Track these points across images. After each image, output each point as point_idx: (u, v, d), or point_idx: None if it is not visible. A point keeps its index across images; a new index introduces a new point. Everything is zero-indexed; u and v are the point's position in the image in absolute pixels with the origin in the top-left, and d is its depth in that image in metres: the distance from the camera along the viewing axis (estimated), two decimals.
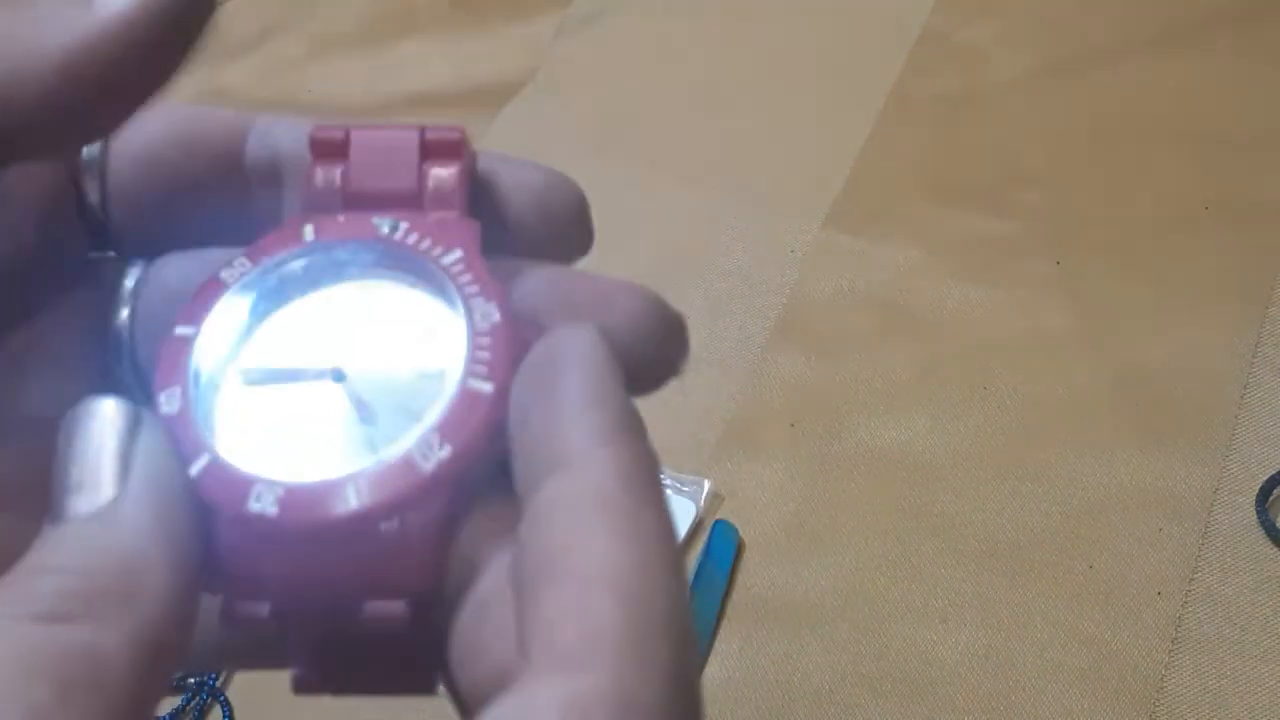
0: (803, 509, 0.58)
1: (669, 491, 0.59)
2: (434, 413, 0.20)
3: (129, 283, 0.24)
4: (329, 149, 0.23)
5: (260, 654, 0.23)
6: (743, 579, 0.56)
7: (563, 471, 0.19)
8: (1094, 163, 0.70)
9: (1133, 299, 0.63)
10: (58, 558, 0.19)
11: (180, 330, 0.21)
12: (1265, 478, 0.55)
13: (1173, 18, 0.76)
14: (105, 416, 0.20)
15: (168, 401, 0.21)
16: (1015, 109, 0.74)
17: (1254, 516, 0.54)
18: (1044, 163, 0.70)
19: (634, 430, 0.20)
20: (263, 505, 0.19)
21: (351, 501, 0.19)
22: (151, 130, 0.24)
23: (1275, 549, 0.53)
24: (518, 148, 0.89)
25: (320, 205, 0.23)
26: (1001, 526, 0.56)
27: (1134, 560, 0.54)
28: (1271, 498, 0.54)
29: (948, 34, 0.79)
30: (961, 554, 0.55)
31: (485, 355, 0.21)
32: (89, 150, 0.24)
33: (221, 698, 0.54)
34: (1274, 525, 0.53)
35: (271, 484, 0.19)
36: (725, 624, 0.55)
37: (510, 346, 0.21)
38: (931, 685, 0.51)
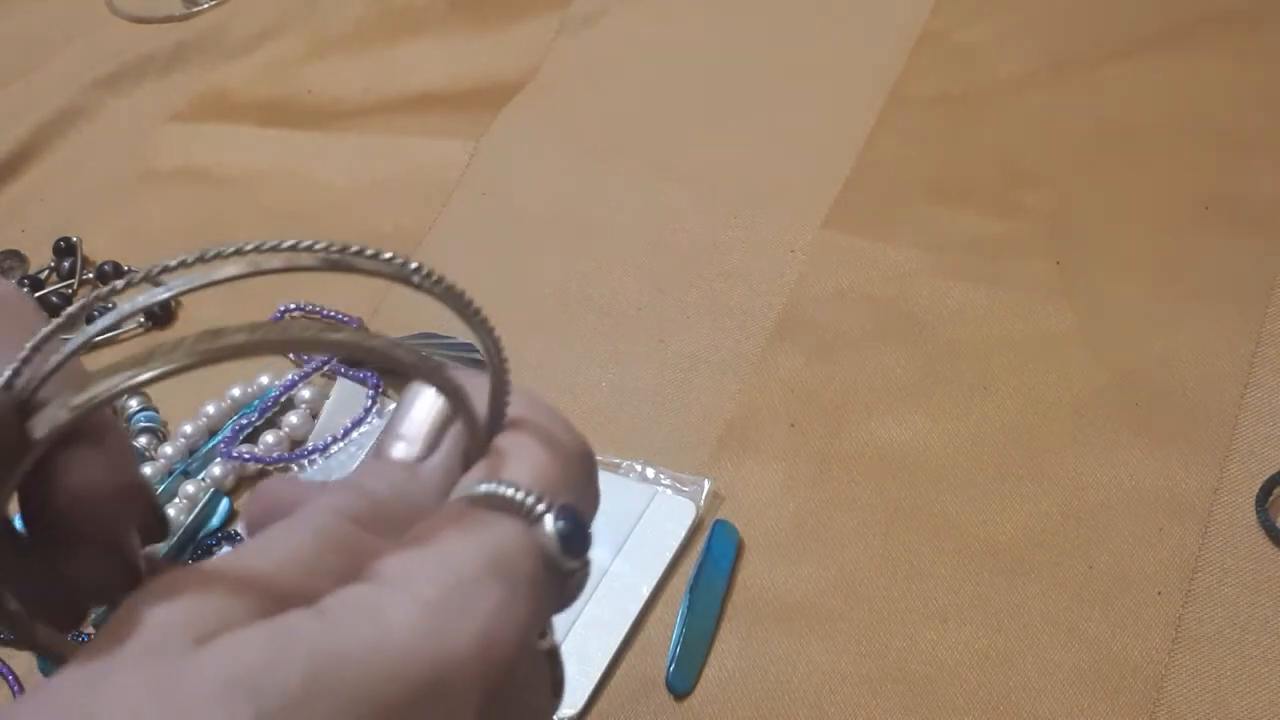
0: (803, 509, 0.58)
1: (669, 491, 0.59)
2: None
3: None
4: None
5: None
6: (743, 579, 0.56)
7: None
8: (1094, 163, 0.70)
9: (1133, 299, 0.63)
10: (374, 483, 0.28)
11: None
12: (1265, 478, 0.55)
13: (1173, 18, 0.76)
14: (437, 400, 0.29)
15: None
16: (1015, 109, 0.74)
17: (1254, 516, 0.54)
18: (1044, 163, 0.70)
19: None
20: None
21: None
22: None
23: (1275, 549, 0.53)
24: (518, 148, 0.90)
25: None
26: (1001, 526, 0.56)
27: (1134, 560, 0.54)
28: (1271, 498, 0.54)
29: (948, 34, 0.79)
30: (961, 554, 0.55)
31: None
32: None
33: None
34: (1274, 525, 0.53)
35: None
36: (725, 624, 0.55)
37: None
38: (931, 685, 0.51)
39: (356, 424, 0.64)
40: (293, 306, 0.71)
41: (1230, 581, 0.53)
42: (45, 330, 0.25)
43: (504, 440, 0.29)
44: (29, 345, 0.25)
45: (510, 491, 0.27)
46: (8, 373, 0.25)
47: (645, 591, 0.56)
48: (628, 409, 0.63)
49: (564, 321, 0.68)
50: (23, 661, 0.58)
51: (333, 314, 0.71)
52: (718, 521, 0.57)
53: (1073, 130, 0.72)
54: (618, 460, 0.60)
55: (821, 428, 0.61)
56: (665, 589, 0.56)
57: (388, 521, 0.27)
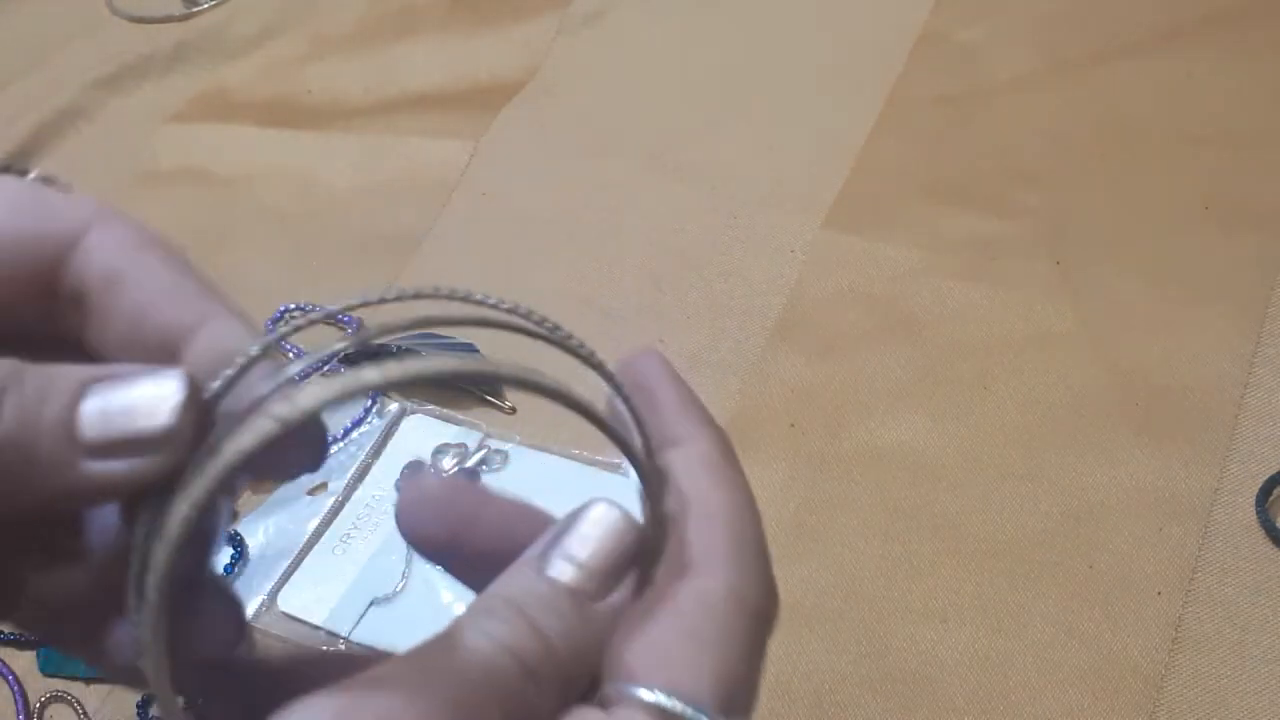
0: (803, 509, 0.58)
1: None
2: None
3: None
4: None
5: None
6: None
7: (676, 447, 0.28)
8: (1094, 163, 0.70)
9: (1133, 299, 0.63)
10: (548, 620, 0.24)
11: None
12: (1265, 478, 0.55)
13: (1173, 18, 0.76)
14: (622, 524, 0.26)
15: None
16: (1015, 109, 0.74)
17: (1254, 516, 0.54)
18: (1044, 163, 0.70)
19: (712, 421, 0.29)
20: None
21: None
22: None
23: (1275, 549, 0.53)
24: (518, 148, 0.89)
25: None
26: (1001, 526, 0.56)
27: (1134, 560, 0.54)
28: (1271, 498, 0.54)
29: (948, 34, 0.79)
30: (961, 554, 0.55)
31: None
32: None
33: None
34: (1274, 525, 0.53)
35: None
36: None
37: None
38: (931, 685, 0.51)
39: (356, 424, 0.64)
40: (292, 306, 0.71)
41: (1230, 581, 0.53)
42: (255, 351, 0.25)
43: (687, 601, 0.25)
44: (239, 364, 0.25)
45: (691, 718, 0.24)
46: (216, 385, 0.25)
47: None
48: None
49: (564, 321, 0.67)
50: (23, 661, 0.58)
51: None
52: None
53: (1073, 130, 0.72)
54: (618, 460, 0.60)
55: (821, 428, 0.60)
56: None
57: (553, 673, 0.24)
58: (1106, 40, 0.76)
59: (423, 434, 0.63)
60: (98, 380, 0.25)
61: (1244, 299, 0.62)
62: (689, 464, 0.28)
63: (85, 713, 0.56)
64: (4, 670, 0.58)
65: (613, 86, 0.81)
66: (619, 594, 0.25)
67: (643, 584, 0.26)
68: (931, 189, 0.70)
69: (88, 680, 0.57)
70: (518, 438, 0.62)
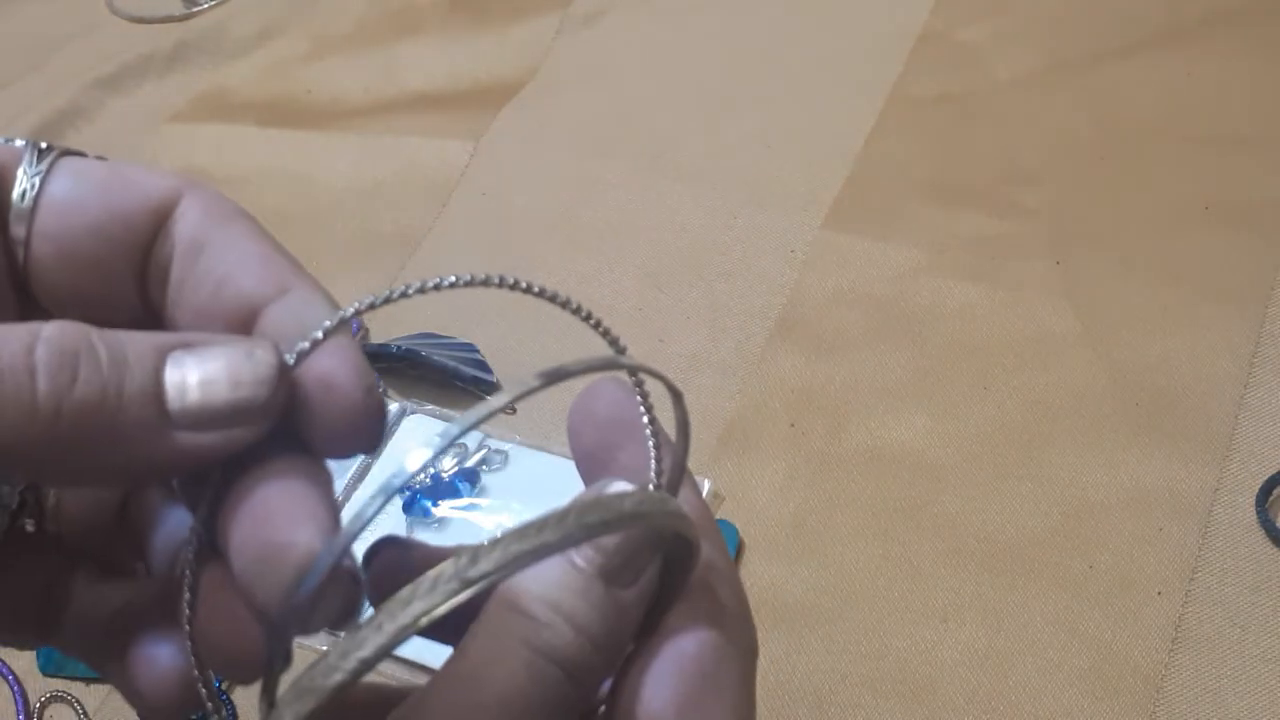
0: (803, 509, 0.58)
1: None
2: None
3: None
4: None
5: None
6: (743, 579, 0.56)
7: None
8: (1094, 163, 0.70)
9: (1133, 299, 0.63)
10: (589, 615, 0.24)
11: None
12: (1265, 478, 0.55)
13: (1173, 17, 0.76)
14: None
15: None
16: (1015, 109, 0.74)
17: (1254, 516, 0.54)
18: (1044, 163, 0.70)
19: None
20: None
21: None
22: (74, 222, 0.26)
23: (1275, 549, 0.53)
24: (518, 148, 0.89)
25: None
26: (1001, 526, 0.56)
27: (1134, 560, 0.54)
28: (1271, 498, 0.54)
29: (948, 34, 0.79)
30: (961, 554, 0.55)
31: None
32: (16, 225, 0.26)
33: (225, 697, 0.54)
34: (1274, 525, 0.53)
35: None
36: None
37: None
38: (931, 685, 0.51)
39: None
40: None
41: (1230, 581, 0.53)
42: (330, 325, 0.25)
43: (704, 649, 0.25)
44: (315, 339, 0.24)
45: None
46: (290, 359, 0.24)
47: None
48: None
49: (564, 321, 0.68)
50: (23, 661, 0.58)
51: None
52: (718, 521, 0.57)
53: (1073, 130, 0.72)
54: None
55: (821, 428, 0.60)
56: None
57: (593, 669, 0.24)
58: (1106, 40, 0.76)
59: (423, 434, 0.63)
60: (177, 347, 0.24)
61: (1244, 299, 0.62)
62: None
63: (85, 713, 0.56)
64: (4, 670, 0.58)
65: (613, 86, 0.81)
66: (644, 587, 0.25)
67: (664, 604, 0.26)
68: (931, 189, 0.70)
69: (88, 680, 0.57)
70: (518, 438, 0.62)
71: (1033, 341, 0.62)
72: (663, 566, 0.26)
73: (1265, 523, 0.54)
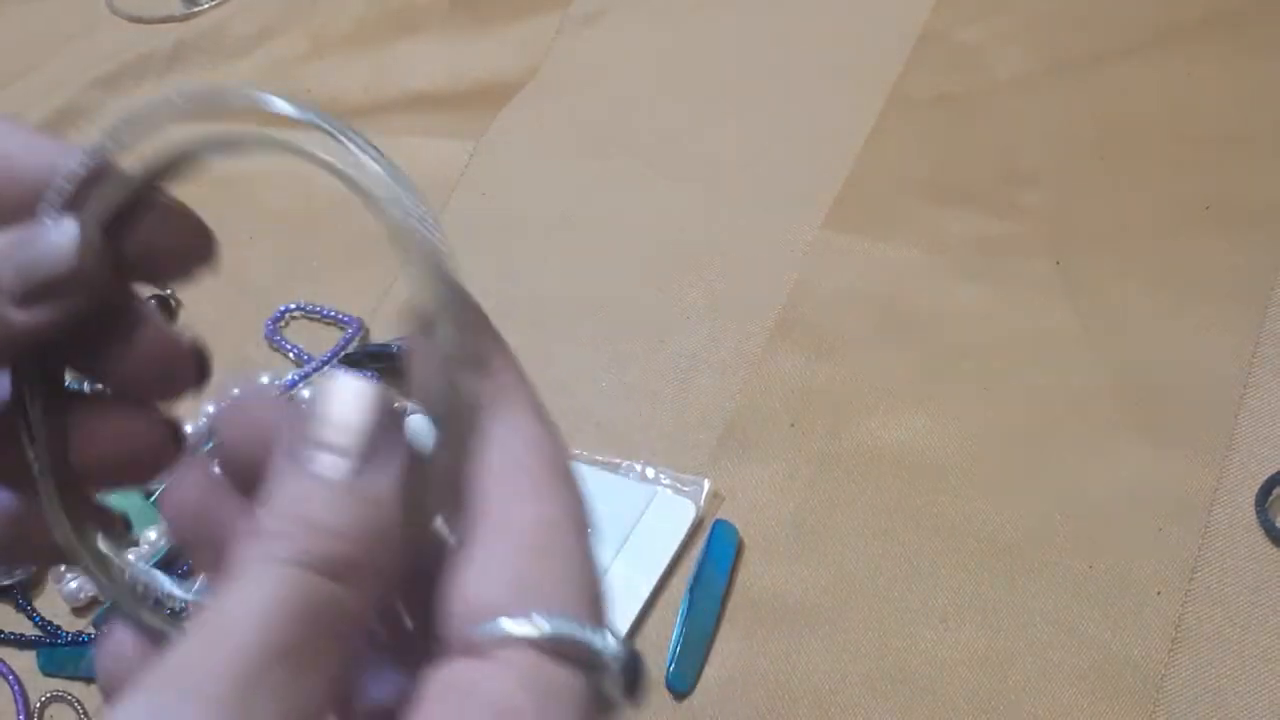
0: (802, 509, 0.58)
1: (669, 492, 0.59)
2: None
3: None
4: None
5: None
6: (743, 579, 0.56)
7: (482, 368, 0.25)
8: (1094, 163, 0.70)
9: (1133, 299, 0.63)
10: (329, 517, 0.22)
11: None
12: (1265, 478, 0.55)
13: (1173, 18, 0.76)
14: (363, 393, 0.24)
15: None
16: (1015, 109, 0.74)
17: (1254, 516, 0.54)
18: (1044, 163, 0.70)
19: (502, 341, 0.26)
20: None
21: None
22: None
23: (1275, 549, 0.53)
24: (517, 147, 0.89)
25: None
26: (1001, 526, 0.56)
27: (1134, 560, 0.54)
28: (1271, 498, 0.54)
29: (948, 34, 0.79)
30: (961, 554, 0.55)
31: None
32: None
33: None
34: (1274, 525, 0.53)
35: None
36: (725, 624, 0.55)
37: None
38: (931, 685, 0.51)
39: None
40: (293, 306, 0.71)
41: (1230, 581, 0.53)
42: (82, 166, 0.26)
43: (527, 527, 0.24)
44: (70, 181, 0.26)
45: (588, 640, 0.22)
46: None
47: (645, 591, 0.56)
48: (628, 409, 0.63)
49: (564, 321, 0.68)
50: (23, 661, 0.58)
51: (332, 313, 0.71)
52: (718, 521, 0.57)
53: (1073, 130, 0.72)
54: (618, 460, 0.60)
55: (821, 427, 0.61)
56: (665, 589, 0.56)
57: (360, 568, 0.22)
58: (1106, 40, 0.76)
59: (422, 433, 0.63)
60: None
61: (1244, 299, 0.62)
62: (495, 391, 0.25)
63: (85, 713, 0.56)
64: (4, 670, 0.58)
65: (613, 86, 0.81)
66: (393, 475, 0.23)
67: (450, 502, 0.24)
68: (931, 189, 0.70)
69: (88, 680, 0.57)
70: None
71: (1033, 342, 0.62)
72: (448, 431, 0.24)
73: (1265, 523, 0.54)
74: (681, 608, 0.55)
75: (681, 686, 0.53)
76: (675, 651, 0.53)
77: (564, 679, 0.22)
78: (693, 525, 0.57)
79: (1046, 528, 0.55)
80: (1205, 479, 0.56)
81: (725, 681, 0.53)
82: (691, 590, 0.55)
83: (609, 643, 0.22)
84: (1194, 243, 0.65)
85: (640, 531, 0.58)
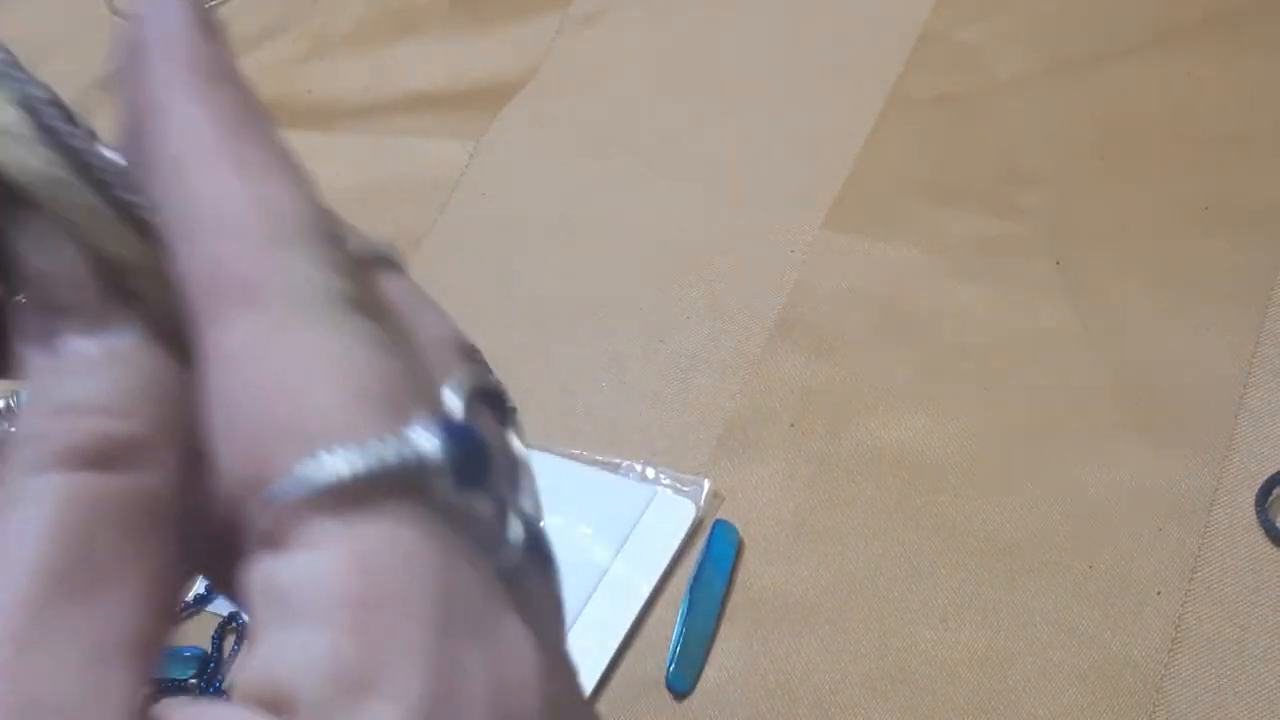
0: (802, 509, 0.58)
1: (669, 491, 0.59)
2: None
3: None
4: None
5: None
6: (743, 579, 0.56)
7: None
8: (1094, 163, 0.70)
9: (1133, 299, 0.63)
10: (87, 395, 0.18)
11: None
12: (1265, 478, 0.55)
13: (1173, 17, 0.76)
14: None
15: None
16: (1015, 109, 0.74)
17: (1254, 516, 0.54)
18: (1044, 163, 0.70)
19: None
20: None
21: None
22: None
23: (1275, 549, 0.53)
24: (517, 148, 0.89)
25: None
26: (1001, 526, 0.56)
27: (1134, 560, 0.54)
28: (1271, 498, 0.54)
29: (948, 34, 0.79)
30: (961, 554, 0.55)
31: None
32: None
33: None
34: (1274, 525, 0.53)
35: None
36: (725, 624, 0.55)
37: None
38: (931, 685, 0.51)
39: None
40: None
41: (1230, 581, 0.53)
42: None
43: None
44: None
45: (394, 457, 0.17)
46: None
47: (645, 591, 0.56)
48: (628, 409, 0.63)
49: (564, 321, 0.68)
50: None
51: None
52: (717, 521, 0.57)
53: (1073, 130, 0.72)
54: (618, 460, 0.60)
55: (821, 427, 0.61)
56: (665, 589, 0.56)
57: (148, 439, 0.18)
58: (1106, 40, 0.76)
59: None
60: None
61: (1244, 299, 0.62)
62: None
63: None
64: None
65: (613, 86, 0.81)
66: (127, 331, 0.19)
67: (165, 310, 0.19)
68: (931, 189, 0.70)
69: None
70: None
71: (1033, 342, 0.62)
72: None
73: (1265, 523, 0.54)
74: (681, 608, 0.55)
75: (681, 686, 0.53)
76: (675, 651, 0.54)
77: (390, 535, 0.16)
78: (693, 525, 0.57)
79: (1046, 528, 0.55)
80: (1205, 479, 0.56)
81: (725, 681, 0.53)
82: (691, 590, 0.55)
83: (423, 438, 0.17)
84: (1194, 243, 0.65)
85: (640, 531, 0.58)
